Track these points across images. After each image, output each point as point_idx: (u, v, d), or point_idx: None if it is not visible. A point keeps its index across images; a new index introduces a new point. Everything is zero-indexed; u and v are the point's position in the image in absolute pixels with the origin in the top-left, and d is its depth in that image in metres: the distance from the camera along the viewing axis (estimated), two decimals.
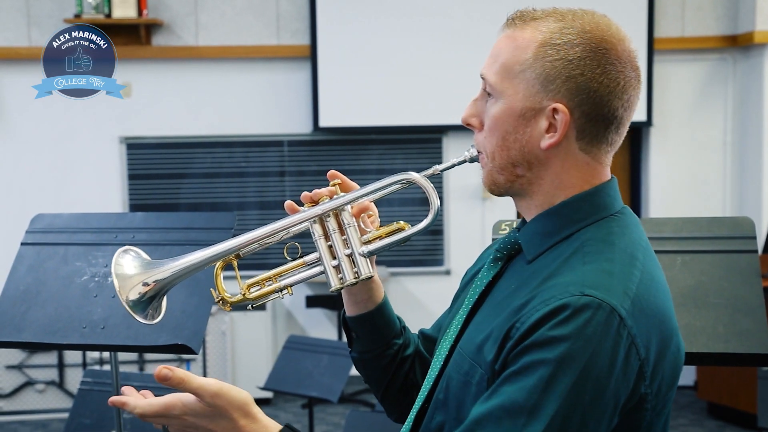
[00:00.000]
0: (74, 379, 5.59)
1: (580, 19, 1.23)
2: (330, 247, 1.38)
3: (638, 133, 6.30)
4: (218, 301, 1.39)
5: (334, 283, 1.37)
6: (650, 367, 1.15)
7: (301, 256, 1.42)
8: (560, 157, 1.24)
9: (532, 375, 1.10)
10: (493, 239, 1.71)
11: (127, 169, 6.12)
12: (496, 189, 1.30)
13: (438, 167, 1.37)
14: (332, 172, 1.42)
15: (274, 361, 4.36)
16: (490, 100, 1.26)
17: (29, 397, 5.68)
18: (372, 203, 1.43)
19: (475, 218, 6.11)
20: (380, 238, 1.39)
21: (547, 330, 1.11)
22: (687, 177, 6.28)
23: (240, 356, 5.84)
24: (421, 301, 6.19)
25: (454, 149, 6.10)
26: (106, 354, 5.37)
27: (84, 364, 5.65)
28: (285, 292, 1.40)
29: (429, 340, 1.54)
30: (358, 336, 1.51)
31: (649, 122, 6.08)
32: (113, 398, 1.25)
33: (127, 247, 1.39)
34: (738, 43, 6.04)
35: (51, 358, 5.67)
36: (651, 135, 6.23)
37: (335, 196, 1.38)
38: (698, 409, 5.65)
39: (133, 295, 1.34)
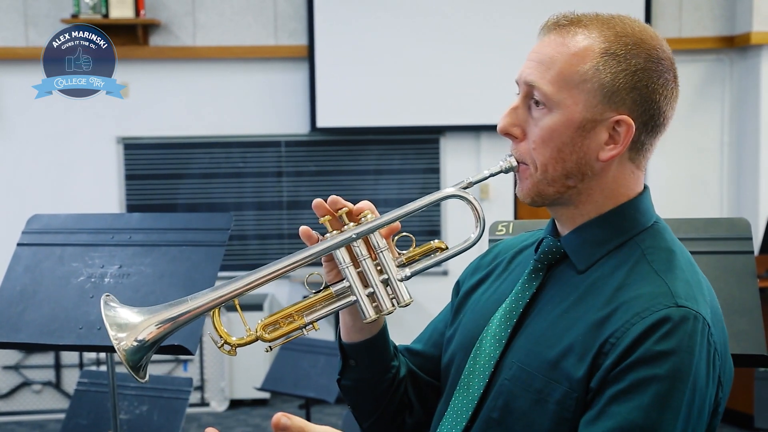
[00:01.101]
0: (71, 379, 5.58)
1: (629, 25, 1.20)
2: (360, 273, 1.26)
3: None
4: (220, 347, 1.26)
5: (370, 314, 1.26)
6: (723, 372, 1.16)
7: (325, 287, 1.30)
8: (614, 167, 1.21)
9: (644, 393, 1.07)
10: (490, 241, 1.70)
11: (125, 169, 6.11)
12: (540, 200, 1.25)
13: (472, 179, 1.29)
14: (365, 203, 1.29)
15: (272, 361, 4.36)
16: (539, 109, 1.21)
17: (26, 397, 5.68)
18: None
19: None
20: (415, 259, 1.30)
21: (653, 344, 1.08)
22: (684, 177, 6.29)
23: (237, 356, 5.79)
24: (419, 301, 6.17)
25: (451, 149, 6.10)
26: (102, 354, 5.35)
27: (81, 365, 5.64)
28: (309, 327, 1.28)
29: (420, 356, 1.46)
30: (357, 363, 1.39)
31: None
32: None
33: (105, 296, 1.24)
34: (735, 44, 6.04)
35: (48, 358, 5.66)
36: None
37: (363, 219, 1.27)
38: None
39: (142, 336, 1.20)
